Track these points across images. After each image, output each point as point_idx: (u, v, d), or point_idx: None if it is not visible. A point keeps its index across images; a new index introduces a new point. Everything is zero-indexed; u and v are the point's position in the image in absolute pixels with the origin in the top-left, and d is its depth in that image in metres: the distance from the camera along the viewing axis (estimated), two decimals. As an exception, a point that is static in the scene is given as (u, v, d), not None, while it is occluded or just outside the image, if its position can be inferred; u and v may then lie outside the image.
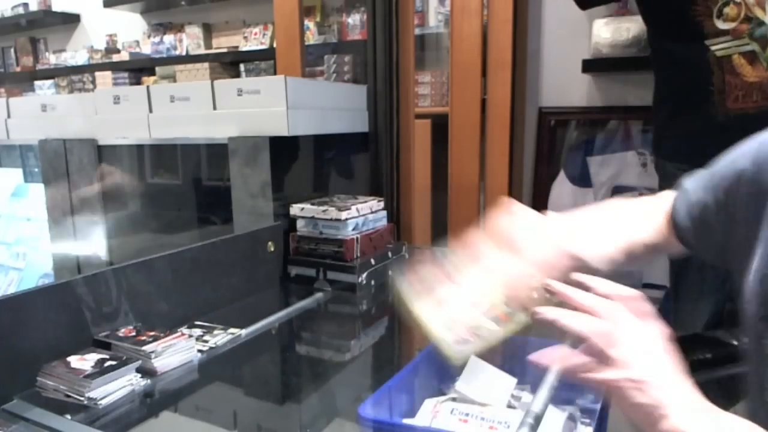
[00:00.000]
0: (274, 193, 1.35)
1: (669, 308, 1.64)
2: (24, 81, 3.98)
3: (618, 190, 2.02)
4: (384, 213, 1.47)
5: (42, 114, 1.81)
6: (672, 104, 1.41)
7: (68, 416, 0.75)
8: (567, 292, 0.62)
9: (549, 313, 0.60)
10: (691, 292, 1.41)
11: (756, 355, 0.68)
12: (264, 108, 1.37)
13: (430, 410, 0.76)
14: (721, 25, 1.22)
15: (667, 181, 1.44)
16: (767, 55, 1.20)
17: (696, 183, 0.78)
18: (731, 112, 1.25)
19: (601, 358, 0.55)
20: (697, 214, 0.76)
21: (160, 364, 0.87)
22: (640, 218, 0.82)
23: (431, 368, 0.86)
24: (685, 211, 0.77)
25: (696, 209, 0.76)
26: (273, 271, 1.35)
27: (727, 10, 1.21)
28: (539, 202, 2.14)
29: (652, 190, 1.92)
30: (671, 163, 1.40)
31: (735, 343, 0.90)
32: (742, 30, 1.21)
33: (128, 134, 1.61)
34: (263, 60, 2.96)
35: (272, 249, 1.33)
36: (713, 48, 1.24)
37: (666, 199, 0.82)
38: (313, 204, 1.37)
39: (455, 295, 0.72)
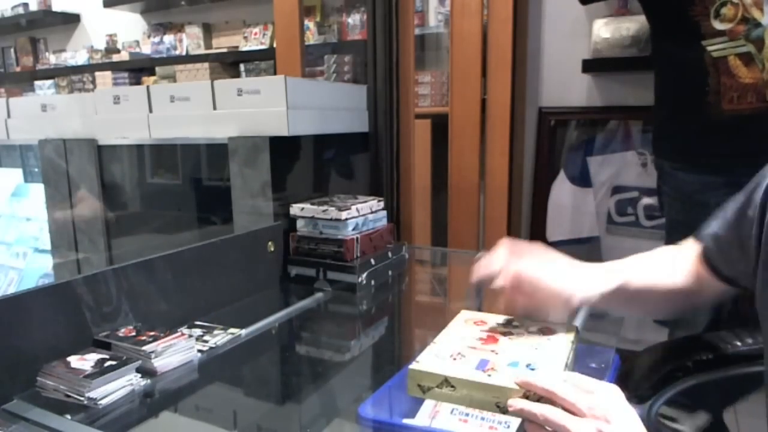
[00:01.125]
0: (274, 193, 1.35)
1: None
2: (24, 81, 3.98)
3: (618, 190, 2.02)
4: (384, 213, 1.47)
5: (42, 114, 1.81)
6: (670, 105, 1.41)
7: (68, 416, 0.75)
8: (553, 391, 0.59)
9: (518, 404, 0.59)
10: None
11: None
12: (264, 108, 1.37)
13: (430, 410, 0.76)
14: (718, 25, 1.23)
15: (664, 181, 1.44)
16: (762, 57, 1.21)
17: (716, 216, 0.83)
18: (726, 113, 1.25)
19: None
20: (719, 233, 0.80)
21: (160, 364, 0.87)
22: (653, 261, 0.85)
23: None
24: (710, 235, 0.82)
25: (717, 228, 0.81)
26: (273, 271, 1.35)
27: (724, 10, 1.21)
28: (539, 202, 2.14)
29: (651, 190, 1.92)
30: (669, 163, 1.40)
31: (738, 344, 0.90)
32: (738, 31, 1.21)
33: (128, 134, 1.61)
34: (263, 60, 2.96)
35: (272, 249, 1.33)
36: (709, 49, 1.24)
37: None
38: (313, 204, 1.37)
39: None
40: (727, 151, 1.28)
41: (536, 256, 0.79)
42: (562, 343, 0.73)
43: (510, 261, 0.77)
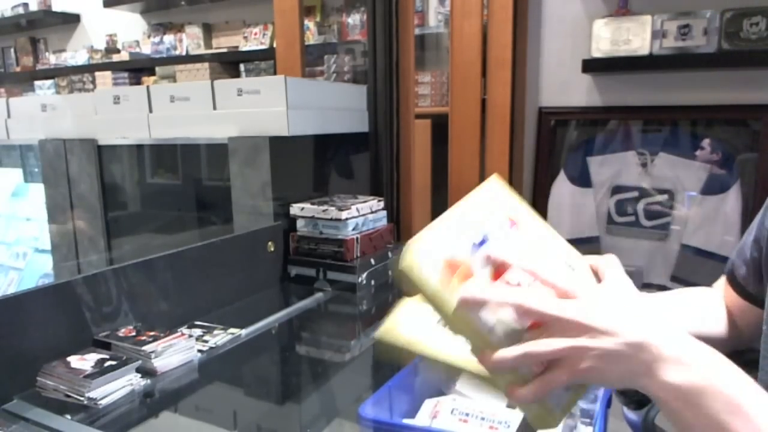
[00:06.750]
0: (274, 193, 1.35)
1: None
2: (24, 81, 3.98)
3: (618, 190, 2.02)
4: (384, 213, 1.47)
5: (42, 114, 1.81)
6: None
7: (68, 416, 0.75)
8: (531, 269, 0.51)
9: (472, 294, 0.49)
10: None
11: None
12: (264, 108, 1.37)
13: (430, 410, 0.76)
14: None
15: None
16: None
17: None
18: None
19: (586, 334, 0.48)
20: (748, 256, 0.77)
21: (160, 364, 0.87)
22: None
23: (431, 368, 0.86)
24: (740, 261, 0.79)
25: (747, 252, 0.78)
26: (273, 271, 1.35)
27: None
28: (539, 202, 2.14)
29: (651, 191, 1.92)
30: None
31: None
32: None
33: (128, 134, 1.61)
34: (263, 60, 2.96)
35: (272, 249, 1.33)
36: None
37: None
38: (313, 204, 1.37)
39: None
40: None
41: None
42: None
43: None
